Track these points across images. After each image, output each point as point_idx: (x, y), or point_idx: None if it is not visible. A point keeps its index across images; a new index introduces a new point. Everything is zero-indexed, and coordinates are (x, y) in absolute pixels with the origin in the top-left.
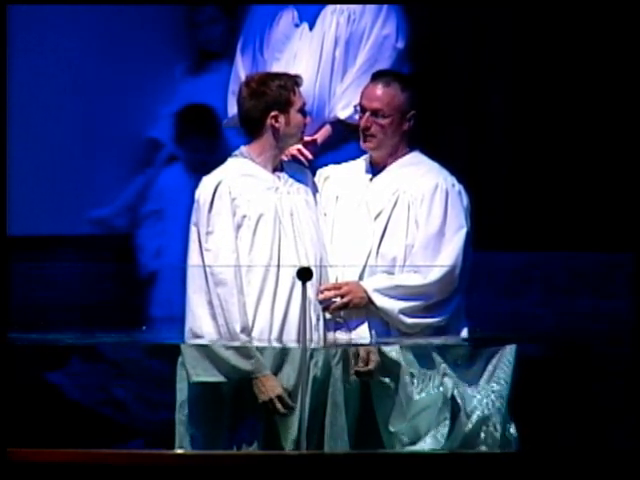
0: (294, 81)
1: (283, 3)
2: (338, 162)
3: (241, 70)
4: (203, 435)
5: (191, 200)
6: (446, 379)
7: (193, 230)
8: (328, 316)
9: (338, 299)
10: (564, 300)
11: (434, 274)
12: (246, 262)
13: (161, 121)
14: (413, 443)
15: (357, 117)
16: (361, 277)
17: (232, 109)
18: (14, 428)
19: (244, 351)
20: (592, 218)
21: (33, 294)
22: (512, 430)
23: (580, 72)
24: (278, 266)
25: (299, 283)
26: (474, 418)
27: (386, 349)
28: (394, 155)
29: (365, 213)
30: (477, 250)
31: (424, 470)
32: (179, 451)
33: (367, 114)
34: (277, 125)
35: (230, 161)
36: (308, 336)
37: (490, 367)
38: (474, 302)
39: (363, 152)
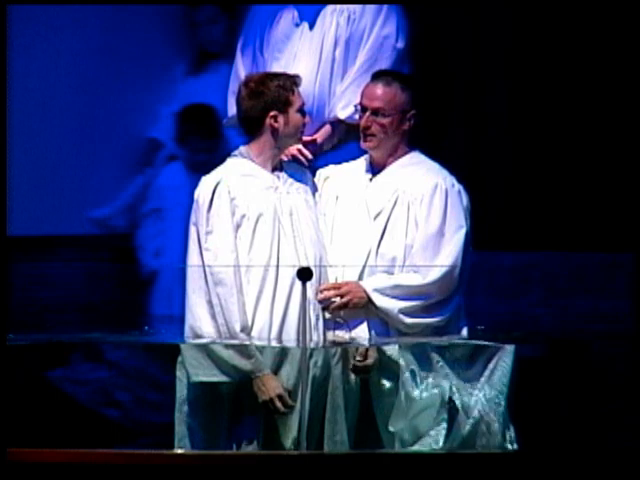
0: (293, 81)
1: (283, 3)
2: (338, 162)
3: (241, 70)
4: (203, 435)
5: (191, 200)
6: (446, 379)
7: (192, 230)
8: (328, 316)
9: (338, 299)
10: (564, 300)
11: (434, 274)
12: (245, 262)
13: (161, 121)
14: (413, 443)
15: (357, 117)
16: (361, 277)
17: (232, 109)
18: (14, 428)
19: (244, 350)
20: (592, 218)
21: (33, 294)
22: (511, 430)
23: (580, 72)
24: (277, 266)
25: (299, 283)
26: (473, 418)
27: (385, 349)
28: (394, 155)
29: (365, 213)
30: (477, 250)
31: (424, 470)
32: (179, 451)
33: (367, 113)
34: (276, 125)
35: (229, 161)
36: (308, 336)
37: (490, 367)
38: (474, 302)
39: (363, 152)
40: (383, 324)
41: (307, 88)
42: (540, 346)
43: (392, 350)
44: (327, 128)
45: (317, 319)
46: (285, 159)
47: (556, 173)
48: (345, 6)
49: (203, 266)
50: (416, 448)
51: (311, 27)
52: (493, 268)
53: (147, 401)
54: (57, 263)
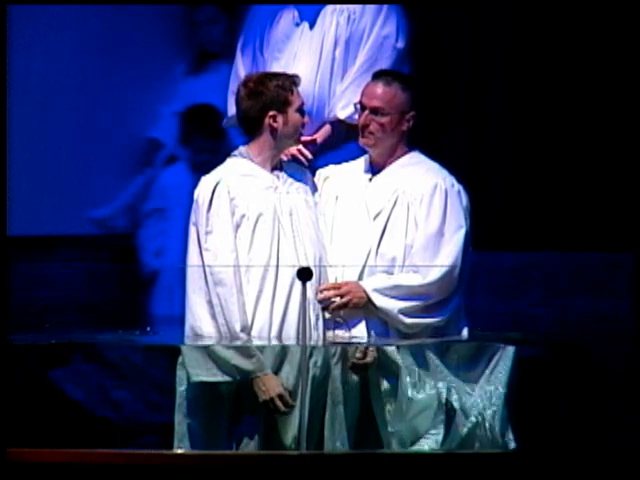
0: (292, 81)
1: (283, 3)
2: (338, 162)
3: (241, 70)
4: (203, 435)
5: (192, 200)
6: (445, 379)
7: (192, 230)
8: (327, 316)
9: (337, 299)
10: (564, 300)
11: (433, 274)
12: (245, 262)
13: (161, 121)
14: (412, 443)
15: (357, 116)
16: (360, 277)
17: (232, 109)
18: (14, 428)
19: (244, 350)
20: (592, 218)
21: (33, 294)
22: (511, 430)
23: (580, 72)
24: (277, 266)
25: (298, 283)
26: (473, 418)
27: (385, 349)
28: (393, 155)
29: (364, 213)
30: (477, 250)
31: (424, 470)
32: (179, 451)
33: (366, 112)
34: (275, 125)
35: (229, 161)
36: (307, 335)
37: (489, 367)
38: (474, 302)
39: (363, 152)
40: (383, 324)
41: (307, 88)
42: (540, 346)
43: (391, 350)
44: (327, 128)
45: (317, 319)
46: (285, 159)
47: (556, 173)
48: (345, 6)
49: (203, 266)
50: (416, 448)
51: (311, 27)
52: (493, 268)
53: (147, 401)
54: (57, 263)
